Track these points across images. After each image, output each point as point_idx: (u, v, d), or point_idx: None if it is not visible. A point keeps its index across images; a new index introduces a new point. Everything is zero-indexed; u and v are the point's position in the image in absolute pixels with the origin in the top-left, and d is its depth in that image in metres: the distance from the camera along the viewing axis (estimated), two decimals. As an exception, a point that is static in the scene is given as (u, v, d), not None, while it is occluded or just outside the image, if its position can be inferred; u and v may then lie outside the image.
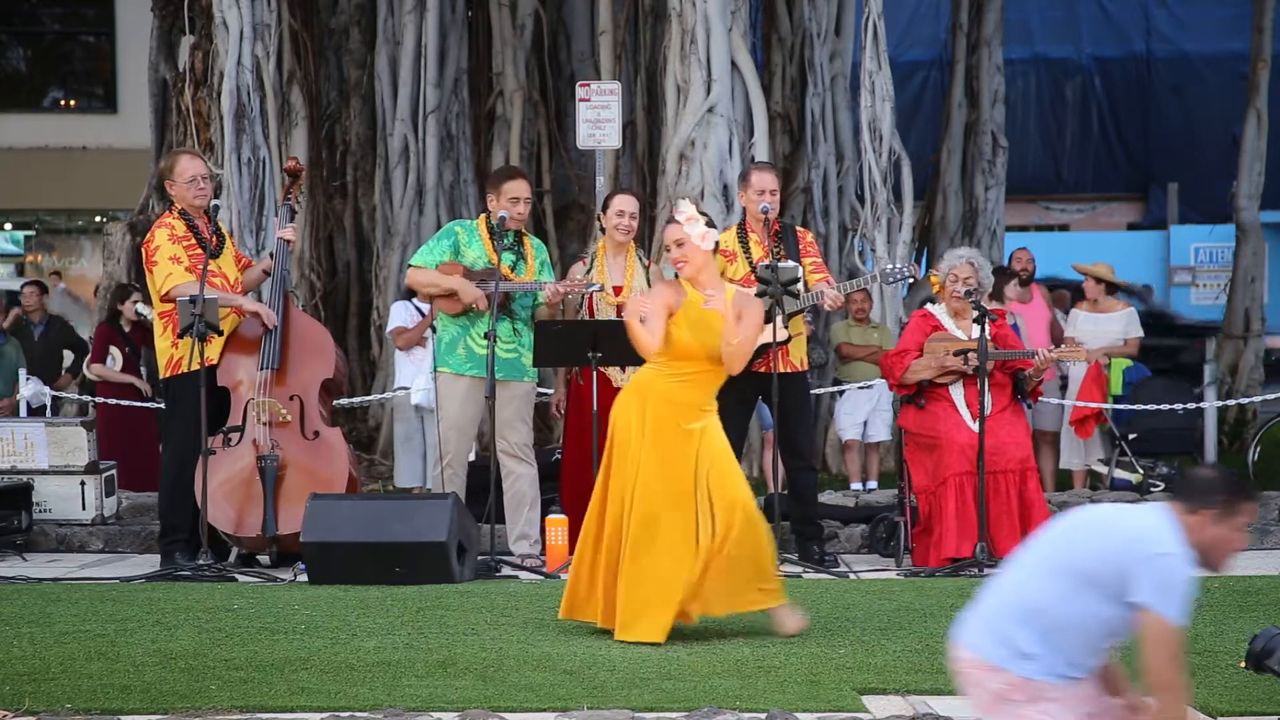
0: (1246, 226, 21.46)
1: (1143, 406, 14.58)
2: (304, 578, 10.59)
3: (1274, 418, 16.99)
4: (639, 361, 11.16)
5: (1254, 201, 21.37)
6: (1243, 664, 6.86)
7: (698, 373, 8.80)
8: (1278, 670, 6.60)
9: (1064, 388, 14.61)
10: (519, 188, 11.36)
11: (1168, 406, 14.43)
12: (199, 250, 11.11)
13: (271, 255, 11.70)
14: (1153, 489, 13.93)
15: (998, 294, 14.14)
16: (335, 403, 12.05)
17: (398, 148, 17.97)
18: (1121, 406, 14.58)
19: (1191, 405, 14.68)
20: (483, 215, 11.53)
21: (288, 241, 11.61)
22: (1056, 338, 14.89)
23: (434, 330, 11.65)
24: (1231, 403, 17.89)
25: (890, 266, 11.88)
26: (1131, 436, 14.53)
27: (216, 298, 10.90)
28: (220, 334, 10.99)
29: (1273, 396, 17.34)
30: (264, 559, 11.36)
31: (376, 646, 8.23)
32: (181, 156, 11.53)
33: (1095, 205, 27.72)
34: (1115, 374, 14.66)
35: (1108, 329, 14.84)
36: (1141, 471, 14.28)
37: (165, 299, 11.09)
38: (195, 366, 10.88)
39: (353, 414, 17.63)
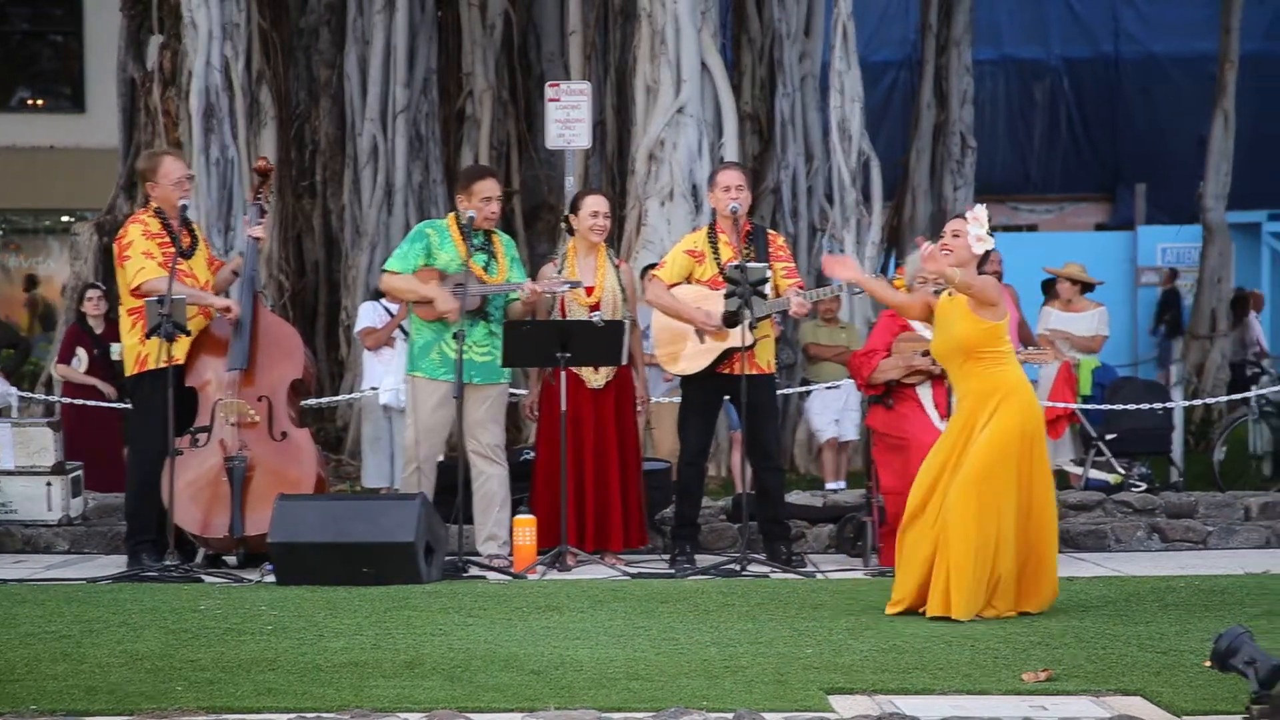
0: (1213, 227, 21.56)
1: (1109, 407, 14.63)
2: (271, 578, 10.58)
3: (1240, 418, 17.07)
4: (609, 361, 11.22)
5: (1221, 202, 21.48)
6: (1208, 663, 6.90)
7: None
8: (1242, 669, 6.64)
9: (1034, 388, 14.63)
10: (490, 186, 11.36)
11: (1134, 406, 14.48)
12: (172, 249, 11.09)
13: (241, 255, 11.68)
14: (1132, 489, 13.97)
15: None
16: (303, 403, 12.03)
17: (367, 147, 17.95)
18: (1090, 407, 14.63)
19: (1159, 405, 14.73)
20: (452, 215, 11.53)
21: (257, 239, 11.58)
22: (1025, 338, 14.93)
23: (404, 332, 11.64)
24: (1198, 403, 17.96)
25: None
26: (1110, 437, 14.58)
27: (185, 297, 10.88)
28: (188, 334, 10.97)
29: (1238, 397, 17.40)
30: (231, 560, 11.34)
31: (343, 647, 8.22)
32: (166, 157, 11.50)
33: (1063, 206, 27.78)
34: (1085, 374, 14.71)
35: (1079, 329, 14.89)
36: (1121, 473, 14.33)
37: (136, 294, 11.07)
38: (162, 366, 10.85)
39: (321, 414, 17.61)
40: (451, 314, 11.07)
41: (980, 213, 9.36)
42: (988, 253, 9.36)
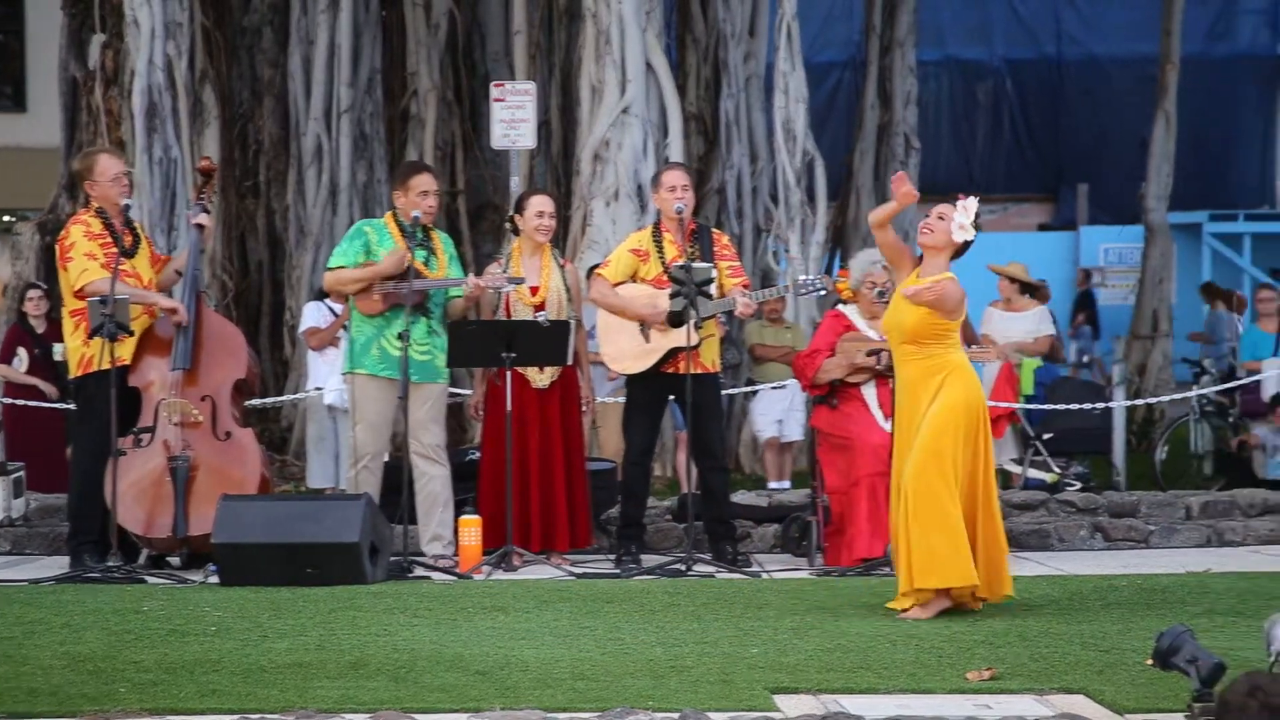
0: (1155, 227, 21.69)
1: (1053, 406, 14.70)
2: (215, 579, 10.54)
3: (1181, 417, 17.18)
4: (554, 361, 11.22)
5: (1162, 203, 21.61)
6: (1149, 661, 6.94)
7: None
8: (1183, 667, 6.68)
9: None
10: (426, 181, 11.37)
11: (1077, 406, 14.56)
12: (115, 249, 11.03)
13: (185, 250, 11.61)
14: (1067, 488, 14.04)
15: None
16: (247, 403, 11.99)
17: (311, 147, 17.89)
18: (1032, 407, 14.70)
19: (1101, 405, 14.81)
20: (389, 213, 11.51)
21: (201, 228, 11.51)
22: (968, 338, 14.98)
23: (347, 330, 11.60)
24: (1140, 402, 18.06)
25: (803, 278, 11.93)
26: (1047, 436, 14.65)
27: (128, 297, 10.83)
28: (131, 334, 10.92)
29: (1180, 396, 17.51)
30: (174, 560, 11.29)
31: (288, 648, 8.19)
32: (101, 155, 11.44)
33: (1006, 206, 27.89)
34: (1026, 374, 14.78)
35: (1020, 328, 14.96)
36: (1057, 471, 14.39)
37: (79, 295, 11.01)
38: (106, 367, 10.80)
39: (265, 414, 17.55)
40: (405, 259, 10.98)
41: (970, 203, 9.34)
42: (967, 243, 9.35)
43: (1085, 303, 25.37)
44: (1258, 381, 15.97)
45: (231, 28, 18.79)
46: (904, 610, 9.12)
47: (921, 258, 9.37)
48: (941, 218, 9.31)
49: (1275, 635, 6.67)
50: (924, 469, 9.05)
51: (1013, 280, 15.10)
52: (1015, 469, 14.65)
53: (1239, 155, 28.66)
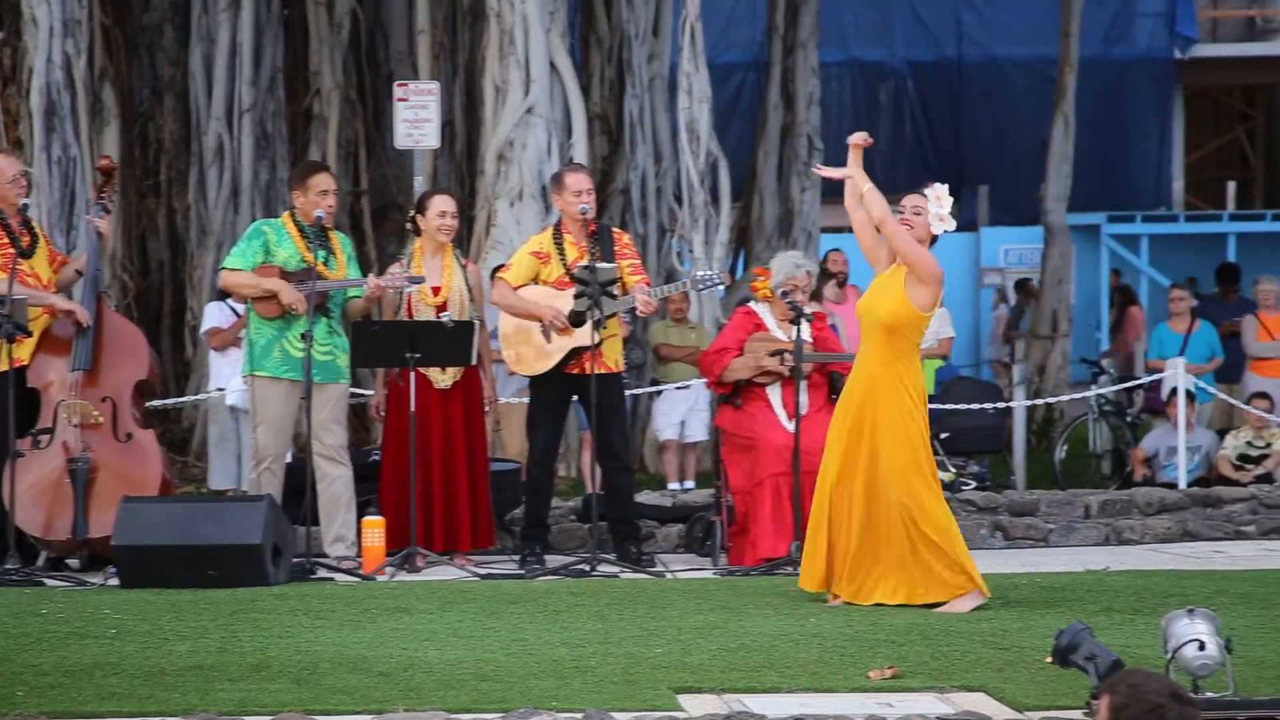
0: (1054, 228, 21.89)
1: (953, 406, 14.82)
2: (115, 581, 10.45)
3: (1080, 417, 17.35)
4: (458, 361, 11.20)
5: (1061, 204, 21.82)
6: (1048, 659, 7.01)
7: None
8: (1082, 665, 6.75)
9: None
10: (325, 180, 11.33)
11: (978, 406, 14.68)
12: (12, 249, 10.93)
13: (85, 253, 11.52)
14: (963, 487, 14.15)
15: (816, 295, 14.28)
16: (148, 404, 11.90)
17: (212, 146, 17.78)
18: (933, 406, 14.79)
19: (1000, 405, 14.93)
20: (287, 213, 11.46)
21: (100, 234, 11.43)
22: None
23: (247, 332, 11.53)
24: (1039, 402, 18.23)
25: (703, 273, 11.96)
26: (943, 436, 14.76)
27: (26, 298, 10.73)
28: (30, 335, 10.82)
29: (1079, 396, 17.68)
30: (74, 562, 11.19)
31: (189, 650, 8.14)
32: None
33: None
34: (927, 374, 14.89)
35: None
36: (954, 470, 14.51)
37: (-27, 298, 10.89)
38: (4, 368, 10.69)
39: (166, 415, 17.42)
40: (298, 305, 10.99)
41: (941, 191, 9.43)
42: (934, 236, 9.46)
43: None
44: (1159, 380, 16.15)
45: (131, 26, 18.64)
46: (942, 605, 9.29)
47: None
48: (918, 212, 9.40)
49: (1172, 633, 6.76)
50: (912, 487, 9.24)
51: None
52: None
53: (1136, 157, 28.95)
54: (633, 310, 11.37)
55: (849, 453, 9.39)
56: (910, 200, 9.47)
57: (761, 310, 11.57)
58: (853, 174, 9.56)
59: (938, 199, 9.42)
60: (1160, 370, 16.25)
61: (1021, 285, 23.86)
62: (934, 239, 9.53)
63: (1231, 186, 28.06)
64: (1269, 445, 15.65)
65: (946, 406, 14.81)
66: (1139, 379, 17.36)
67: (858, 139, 9.70)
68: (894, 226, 9.34)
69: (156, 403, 13.11)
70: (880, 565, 9.35)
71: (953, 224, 9.48)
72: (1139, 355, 19.60)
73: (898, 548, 9.29)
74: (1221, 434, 16.16)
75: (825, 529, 9.46)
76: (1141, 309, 22.37)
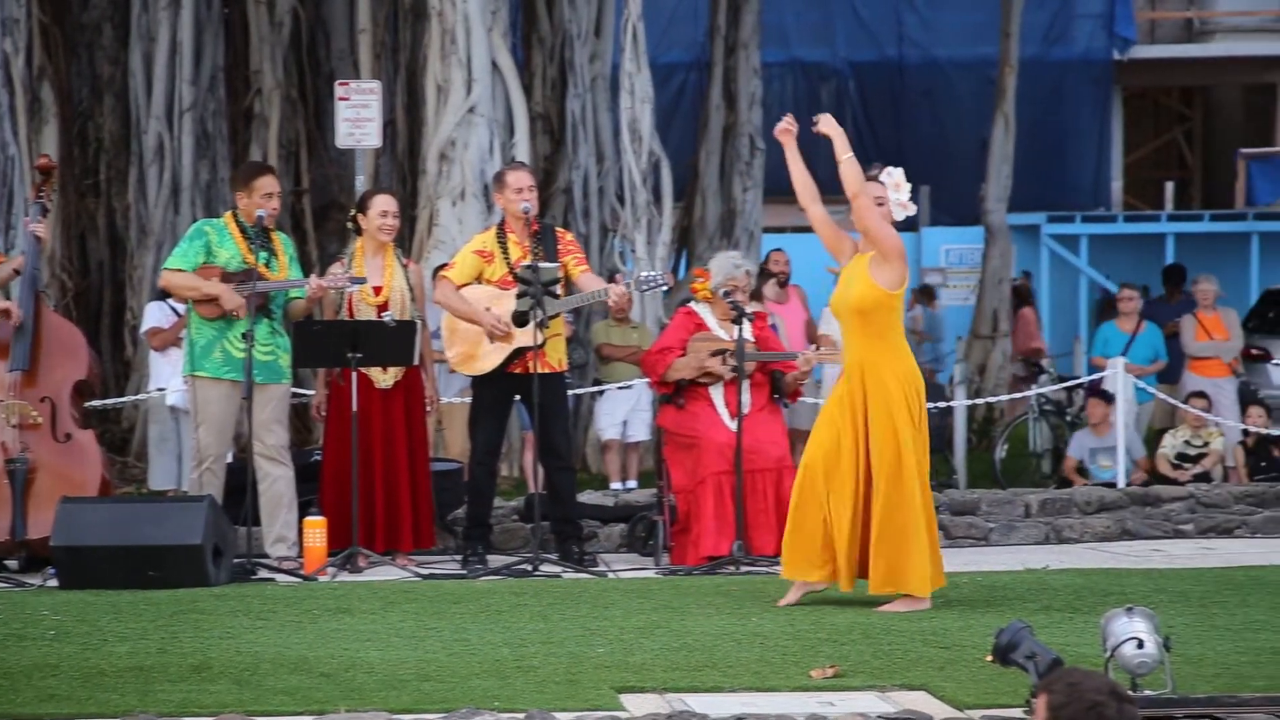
0: (994, 229, 21.99)
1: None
2: (54, 582, 10.39)
3: (1020, 416, 17.43)
4: (400, 361, 11.17)
5: (1002, 204, 21.92)
6: (989, 658, 7.05)
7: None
8: (1022, 663, 6.78)
9: (819, 386, 14.84)
10: (270, 183, 11.29)
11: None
12: (-55, 249, 10.88)
13: (23, 253, 11.46)
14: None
15: (756, 295, 14.31)
16: (88, 404, 11.84)
17: (152, 145, 17.68)
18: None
19: (941, 404, 14.98)
20: (229, 213, 11.41)
21: (39, 239, 11.37)
22: (813, 339, 15.13)
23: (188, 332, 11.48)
24: (980, 401, 18.31)
25: (645, 274, 11.97)
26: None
27: (-38, 298, 10.67)
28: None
29: (1019, 395, 17.76)
30: (12, 564, 11.11)
31: (129, 651, 8.11)
32: None
33: (849, 207, 28.17)
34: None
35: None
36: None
37: (-90, 299, 10.83)
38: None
39: (106, 416, 17.32)
40: (239, 310, 10.96)
41: (899, 178, 9.48)
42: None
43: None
44: (1101, 378, 16.24)
45: (70, 24, 18.53)
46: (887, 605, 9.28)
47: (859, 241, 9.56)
48: (880, 201, 9.45)
49: (1111, 631, 6.80)
50: (902, 483, 9.24)
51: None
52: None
53: (1076, 158, 29.12)
54: (578, 310, 11.36)
55: (842, 443, 9.38)
56: (872, 190, 9.50)
57: (702, 310, 11.59)
58: (833, 135, 9.52)
59: (896, 186, 9.47)
60: (1103, 368, 16.35)
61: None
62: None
63: (1170, 187, 28.25)
64: (1207, 444, 15.77)
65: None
66: (1078, 379, 17.46)
67: (783, 126, 9.76)
68: (865, 201, 9.38)
69: (96, 403, 13.04)
70: (873, 554, 9.34)
71: (913, 208, 9.61)
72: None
73: (888, 537, 9.28)
74: (1161, 433, 16.26)
75: (817, 517, 9.41)
76: (1036, 310, 22.52)
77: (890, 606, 9.24)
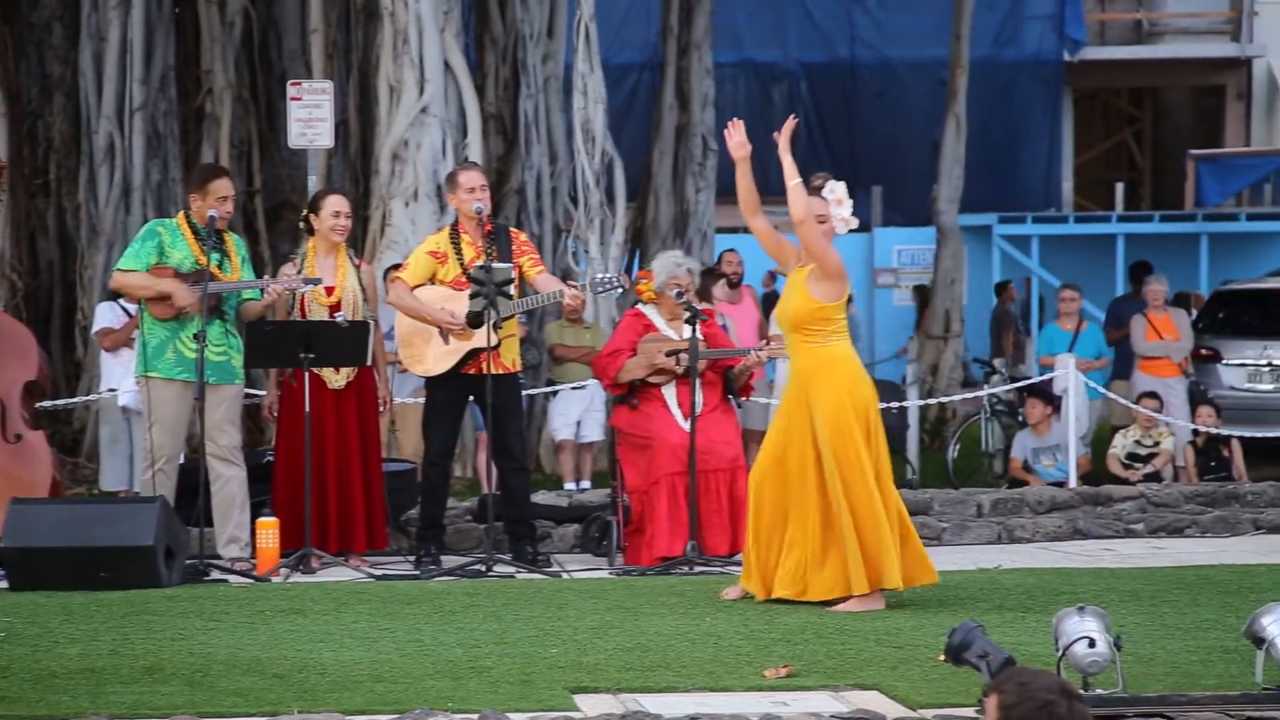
0: (946, 229, 22.08)
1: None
2: (4, 584, 10.34)
3: (972, 416, 17.49)
4: (353, 362, 11.15)
5: (953, 205, 22.00)
6: (941, 657, 7.08)
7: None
8: (975, 663, 6.82)
9: (771, 386, 14.87)
10: (225, 185, 11.25)
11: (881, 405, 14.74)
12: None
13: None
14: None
15: (705, 294, 14.33)
16: (38, 405, 11.78)
17: (103, 145, 17.60)
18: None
19: (895, 405, 15.03)
20: (182, 214, 11.37)
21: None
22: (765, 338, 15.13)
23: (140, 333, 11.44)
24: (932, 401, 18.37)
25: (600, 276, 11.98)
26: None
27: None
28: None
29: (971, 395, 17.83)
30: (-37, 566, 11.06)
31: (80, 653, 8.08)
32: None
33: (802, 207, 28.20)
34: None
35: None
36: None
37: None
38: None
39: (56, 416, 17.23)
40: (192, 307, 10.92)
41: (841, 193, 9.55)
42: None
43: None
44: (1051, 378, 16.31)
45: (20, 23, 18.43)
46: (837, 604, 9.27)
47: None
48: (822, 220, 9.54)
49: (1063, 630, 6.84)
50: (849, 484, 9.26)
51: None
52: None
53: (1026, 159, 29.24)
54: (531, 311, 11.36)
55: (792, 449, 9.42)
56: (815, 207, 9.56)
57: (649, 311, 11.61)
58: (784, 160, 9.59)
59: (839, 202, 9.55)
60: (1051, 366, 16.42)
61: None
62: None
63: (1120, 188, 28.38)
64: (1157, 444, 15.84)
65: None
66: (1025, 379, 17.53)
67: (739, 140, 9.80)
68: (811, 227, 9.44)
69: (46, 403, 12.98)
70: (822, 558, 9.37)
71: (855, 222, 9.70)
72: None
73: (838, 541, 9.31)
74: (1114, 432, 16.34)
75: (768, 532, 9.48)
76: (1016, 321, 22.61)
77: (843, 606, 9.26)
